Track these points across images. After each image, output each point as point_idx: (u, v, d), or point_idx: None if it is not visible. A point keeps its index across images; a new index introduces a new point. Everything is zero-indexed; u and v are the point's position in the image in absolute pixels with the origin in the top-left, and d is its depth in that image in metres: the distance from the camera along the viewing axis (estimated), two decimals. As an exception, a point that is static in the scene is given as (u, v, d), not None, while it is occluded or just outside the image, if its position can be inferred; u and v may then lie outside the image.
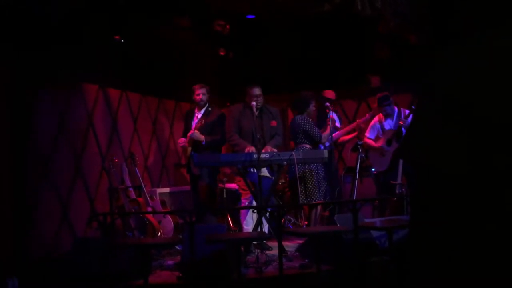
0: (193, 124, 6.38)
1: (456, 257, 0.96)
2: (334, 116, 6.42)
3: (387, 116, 6.58)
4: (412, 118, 1.16)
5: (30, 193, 5.46)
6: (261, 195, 5.28)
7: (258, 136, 5.43)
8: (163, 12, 6.31)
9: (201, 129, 6.28)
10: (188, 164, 6.45)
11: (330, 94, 6.79)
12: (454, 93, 0.98)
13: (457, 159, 0.95)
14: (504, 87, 0.91)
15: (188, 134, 6.31)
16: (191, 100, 6.63)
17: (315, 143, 6.03)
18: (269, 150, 5.53)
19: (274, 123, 5.94)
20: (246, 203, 5.87)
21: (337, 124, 6.65)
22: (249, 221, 5.82)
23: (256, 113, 5.76)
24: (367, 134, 6.70)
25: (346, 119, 8.47)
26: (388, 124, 6.57)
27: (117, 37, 6.64)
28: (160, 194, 6.93)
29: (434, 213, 1.01)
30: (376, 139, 6.66)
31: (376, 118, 6.72)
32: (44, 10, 5.11)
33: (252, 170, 5.56)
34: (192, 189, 6.58)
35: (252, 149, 5.54)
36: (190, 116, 6.56)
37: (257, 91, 5.81)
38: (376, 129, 6.67)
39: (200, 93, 6.39)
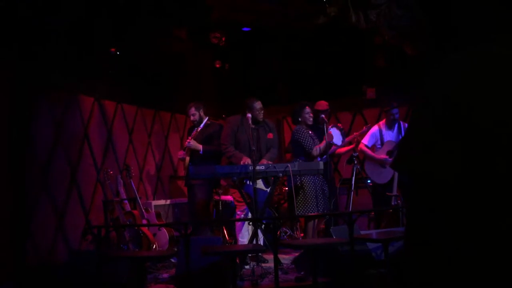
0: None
1: (454, 264, 0.95)
2: (335, 132, 6.24)
3: (391, 124, 6.47)
4: (407, 127, 1.16)
5: (28, 202, 5.44)
6: (256, 207, 5.27)
7: (253, 148, 5.40)
8: (160, 24, 6.35)
9: (198, 139, 6.30)
10: (186, 176, 6.44)
11: (321, 105, 6.58)
12: (449, 101, 0.98)
13: (453, 166, 0.95)
14: (499, 94, 0.92)
15: (185, 144, 6.33)
16: (187, 112, 6.65)
17: (307, 154, 5.99)
18: (265, 163, 5.54)
19: (270, 135, 5.95)
20: (242, 216, 5.85)
21: (336, 141, 6.25)
22: (245, 234, 5.79)
23: (253, 125, 5.77)
24: (364, 141, 6.52)
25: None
26: (389, 135, 6.48)
27: (113, 50, 6.66)
28: (155, 206, 6.89)
29: (430, 222, 1.00)
30: (372, 148, 6.56)
31: (375, 127, 6.59)
32: (44, 21, 5.13)
33: (248, 182, 5.55)
34: (189, 201, 6.56)
35: (248, 160, 5.53)
36: (191, 132, 6.59)
37: (260, 104, 5.82)
38: (375, 137, 6.51)
39: (190, 114, 6.47)
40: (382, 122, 6.59)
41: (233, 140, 5.82)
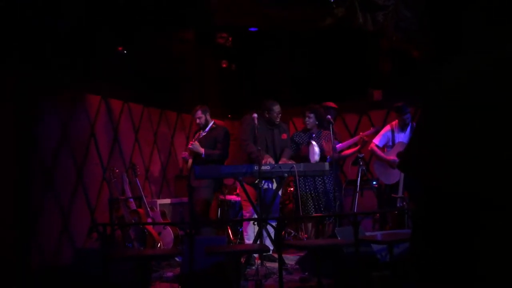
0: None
1: (459, 267, 0.96)
2: (312, 149, 6.07)
3: (404, 127, 6.36)
4: (413, 130, 1.16)
5: (33, 203, 5.45)
6: (264, 207, 5.29)
7: (259, 148, 5.42)
8: (166, 24, 6.35)
9: (201, 142, 6.28)
10: (189, 176, 6.44)
11: (328, 104, 6.67)
12: (455, 103, 0.98)
13: (459, 169, 0.95)
14: (505, 98, 0.92)
15: (189, 145, 6.31)
16: (193, 115, 6.63)
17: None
18: (286, 162, 5.62)
19: (284, 136, 6.05)
20: (248, 217, 5.86)
21: (310, 158, 6.07)
22: (251, 235, 5.78)
23: (269, 126, 5.90)
24: (375, 141, 6.40)
25: (348, 132, 8.48)
26: (400, 137, 6.38)
27: (120, 49, 6.68)
28: (161, 205, 6.91)
29: (436, 224, 1.00)
30: (383, 148, 6.47)
31: (388, 127, 6.47)
32: (49, 21, 5.15)
33: (263, 183, 5.55)
34: (189, 201, 6.55)
35: (270, 160, 5.58)
36: (196, 134, 6.58)
37: (278, 108, 5.92)
38: (386, 137, 6.39)
39: (196, 117, 6.44)
40: (395, 123, 6.45)
41: (252, 137, 5.79)
